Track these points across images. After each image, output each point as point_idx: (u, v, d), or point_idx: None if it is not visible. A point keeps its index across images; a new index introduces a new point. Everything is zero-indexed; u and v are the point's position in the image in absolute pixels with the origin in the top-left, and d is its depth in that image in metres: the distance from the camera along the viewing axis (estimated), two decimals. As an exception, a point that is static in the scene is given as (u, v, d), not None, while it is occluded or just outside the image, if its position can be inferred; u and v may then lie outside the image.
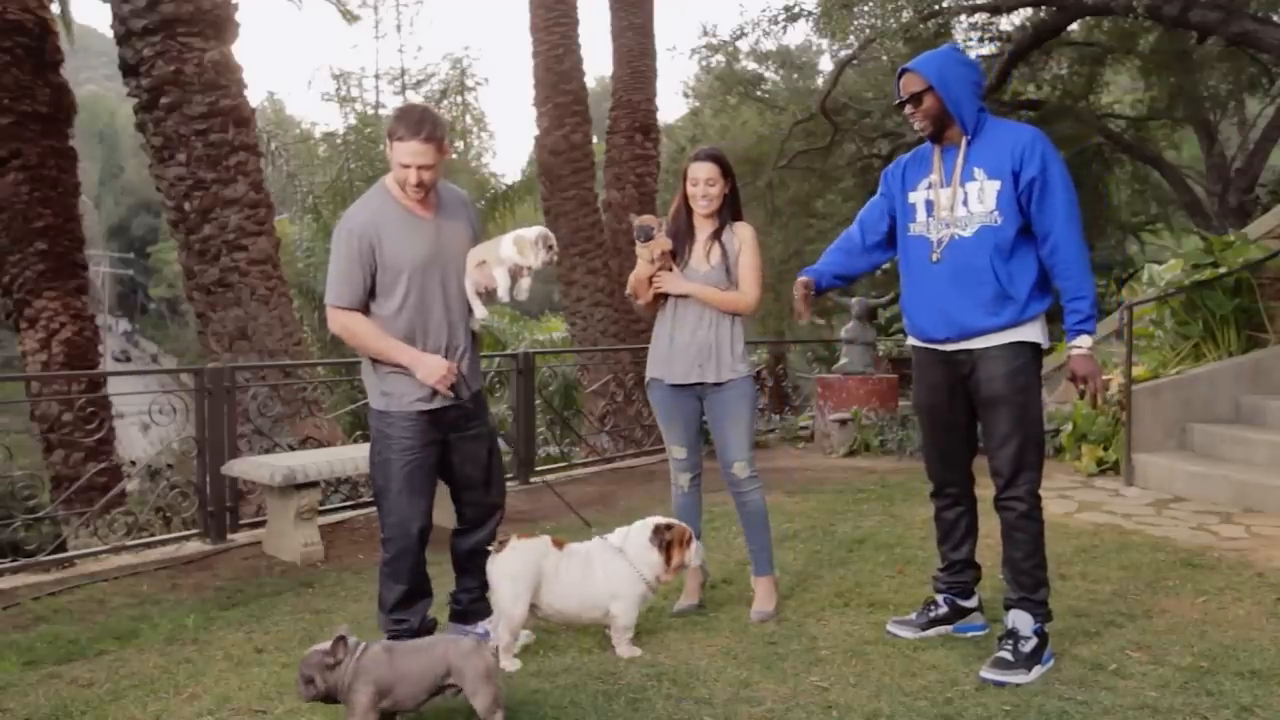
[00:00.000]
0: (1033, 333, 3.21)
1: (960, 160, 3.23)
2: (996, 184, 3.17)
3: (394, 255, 3.16)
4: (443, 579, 3.60)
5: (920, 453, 7.50)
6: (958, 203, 3.22)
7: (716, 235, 3.72)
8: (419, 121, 3.11)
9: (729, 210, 3.75)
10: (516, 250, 3.25)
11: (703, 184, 3.68)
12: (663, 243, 3.66)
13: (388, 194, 3.23)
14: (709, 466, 3.90)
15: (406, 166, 3.11)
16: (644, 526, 3.44)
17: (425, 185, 3.15)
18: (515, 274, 3.29)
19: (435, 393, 3.22)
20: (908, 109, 3.28)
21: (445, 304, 3.25)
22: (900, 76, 3.31)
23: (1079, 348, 3.19)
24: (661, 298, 3.76)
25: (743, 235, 3.73)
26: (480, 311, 3.31)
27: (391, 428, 3.24)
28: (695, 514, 3.88)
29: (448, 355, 3.24)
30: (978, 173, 3.21)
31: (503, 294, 3.26)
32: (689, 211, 3.75)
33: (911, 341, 3.47)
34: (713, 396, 3.71)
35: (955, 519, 3.51)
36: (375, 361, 3.26)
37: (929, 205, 3.29)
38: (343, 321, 3.20)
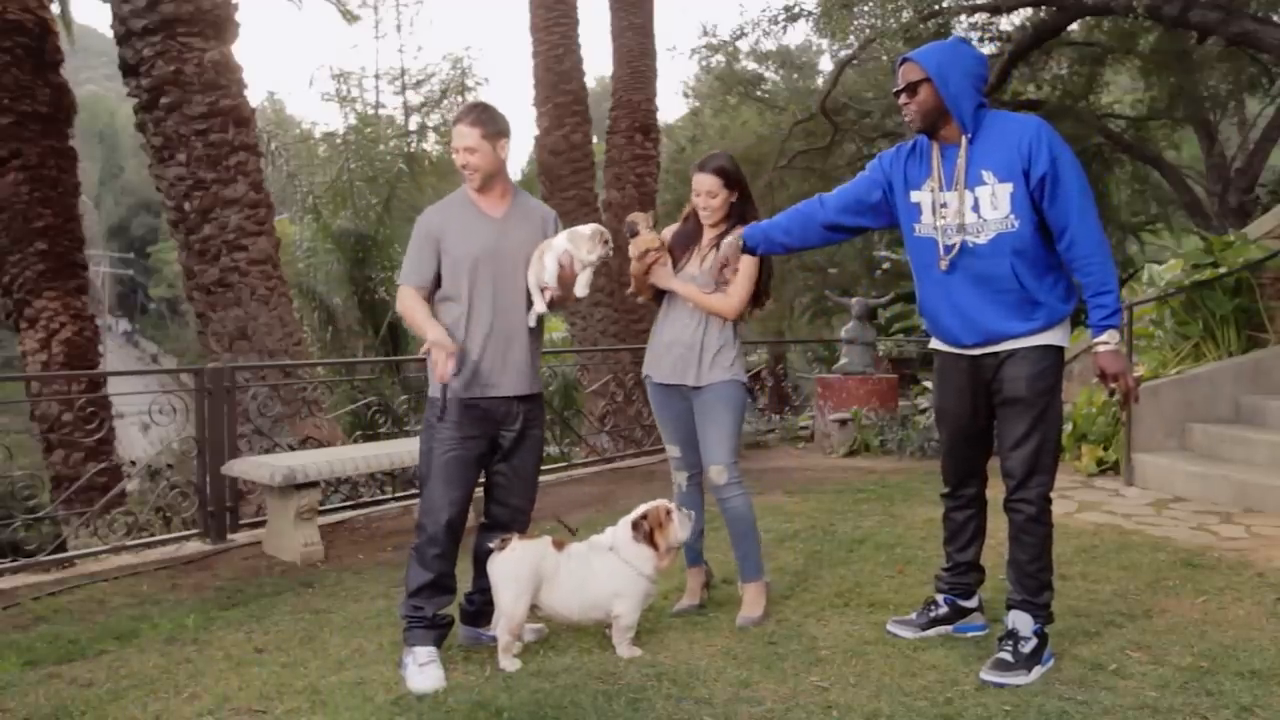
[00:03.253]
0: (1059, 336, 3.15)
1: (962, 161, 3.11)
2: (1009, 187, 3.04)
3: (453, 246, 3.33)
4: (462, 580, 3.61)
5: (920, 452, 7.60)
6: (967, 208, 3.10)
7: (719, 240, 3.71)
8: (469, 109, 3.40)
9: (737, 218, 3.74)
10: (570, 242, 3.36)
11: (704, 195, 3.70)
12: (648, 240, 3.70)
13: (464, 193, 3.46)
14: None
15: (457, 149, 3.35)
16: (625, 526, 3.43)
17: (472, 169, 3.33)
18: (567, 265, 3.35)
19: (478, 378, 3.31)
20: (902, 98, 3.17)
21: (494, 300, 3.34)
22: (901, 65, 3.20)
23: (1106, 344, 3.07)
24: (657, 296, 3.80)
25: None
26: (539, 305, 3.38)
27: (437, 416, 3.33)
28: (698, 512, 3.87)
29: (487, 345, 3.33)
30: (987, 176, 3.06)
31: (549, 279, 3.33)
32: (697, 214, 3.78)
33: (934, 345, 3.40)
34: (695, 399, 3.72)
35: (965, 521, 3.48)
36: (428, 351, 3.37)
37: (935, 207, 3.18)
38: (400, 295, 3.41)
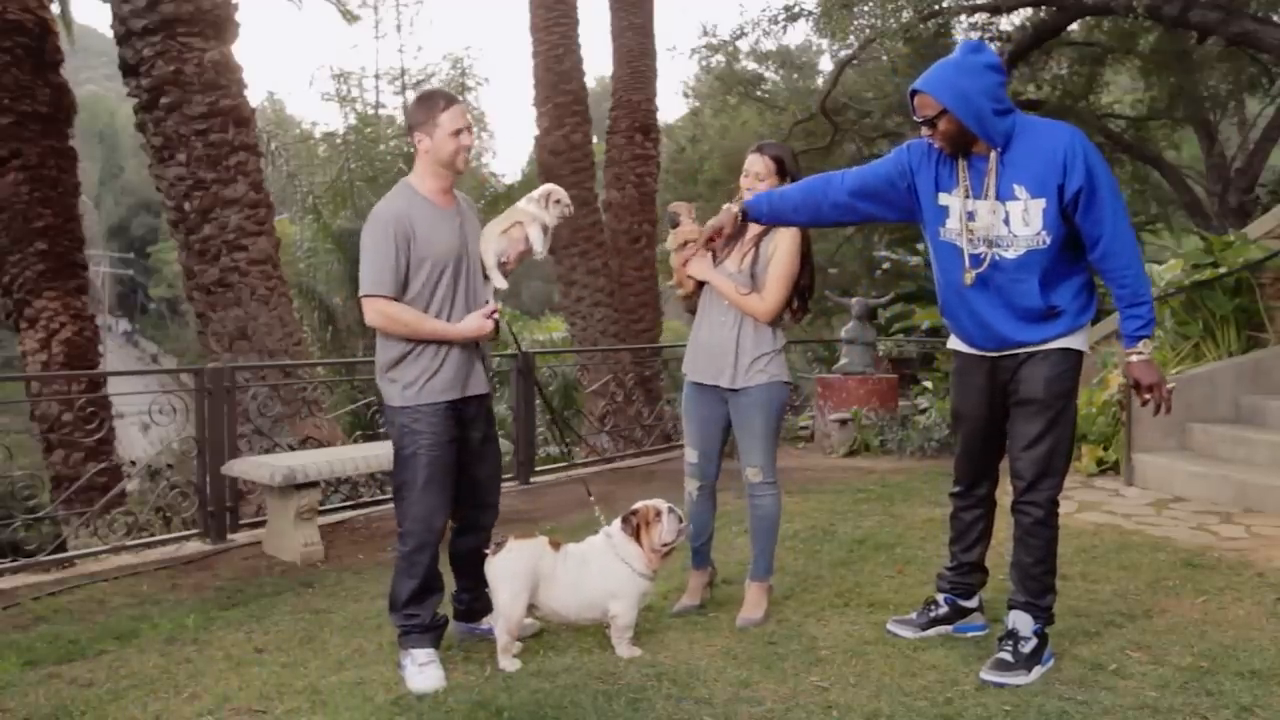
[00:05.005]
0: (1078, 341, 3.13)
1: (992, 174, 3.02)
2: (1041, 202, 2.95)
3: (425, 246, 3.20)
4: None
5: (920, 452, 7.60)
6: (998, 221, 3.03)
7: (759, 238, 3.64)
8: (447, 92, 3.33)
9: None
10: (539, 210, 3.39)
11: (751, 177, 3.63)
12: (689, 230, 3.64)
13: (415, 190, 3.28)
14: (728, 467, 3.86)
15: (459, 131, 3.21)
16: (616, 524, 3.43)
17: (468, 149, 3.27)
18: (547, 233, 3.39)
19: (456, 379, 3.27)
20: (924, 130, 3.06)
21: (467, 296, 3.31)
22: (913, 96, 3.07)
23: (1140, 353, 3.04)
24: (697, 291, 3.75)
25: (779, 239, 3.61)
26: (498, 280, 3.36)
27: (418, 422, 3.25)
28: (705, 523, 3.83)
29: (462, 346, 3.31)
30: (1019, 190, 2.98)
31: (538, 249, 3.36)
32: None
33: (954, 345, 3.37)
34: (732, 401, 3.67)
35: (972, 521, 3.47)
36: (398, 360, 3.26)
37: (963, 215, 3.09)
38: (383, 310, 3.19)
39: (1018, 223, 3.01)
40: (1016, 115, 3.04)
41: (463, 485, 3.43)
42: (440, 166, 3.26)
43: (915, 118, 3.07)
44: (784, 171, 3.64)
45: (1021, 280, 3.04)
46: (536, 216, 3.36)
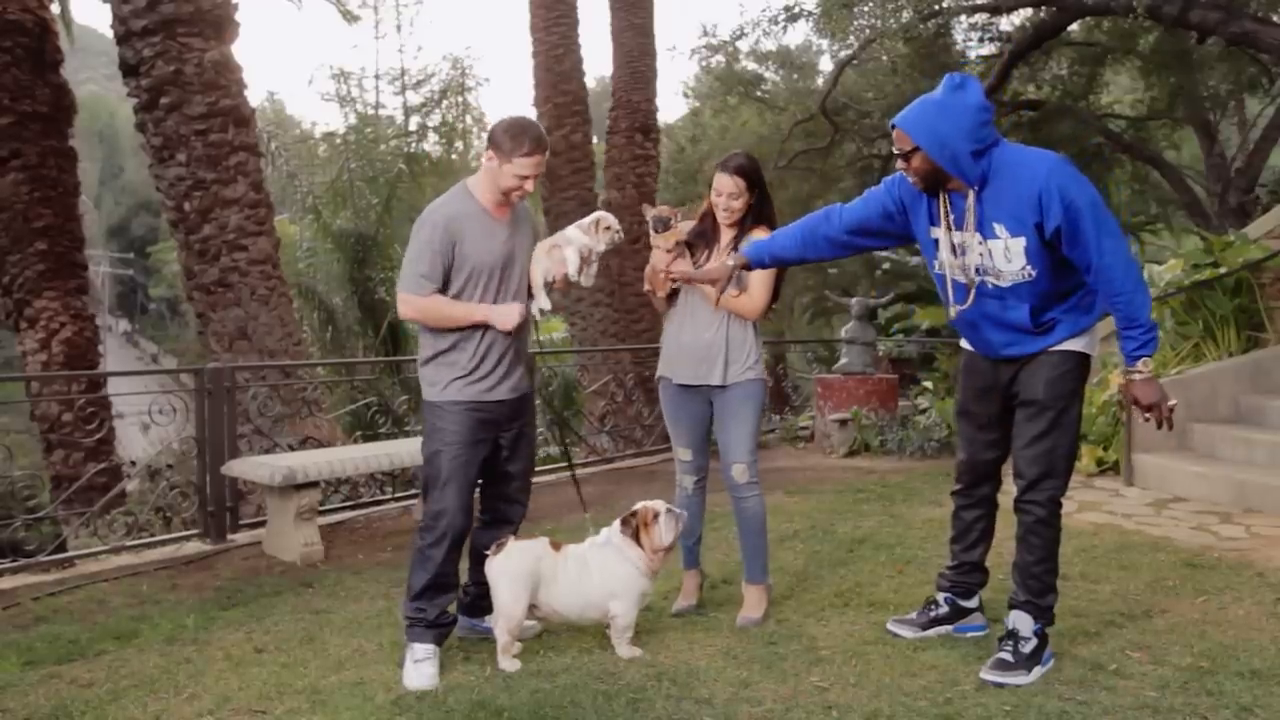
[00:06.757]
0: (1082, 343, 3.13)
1: (971, 212, 3.02)
2: (1022, 240, 2.95)
3: (471, 252, 3.27)
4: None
5: (920, 452, 7.60)
6: (985, 258, 3.04)
7: (736, 243, 3.67)
8: (539, 138, 3.28)
9: (753, 218, 3.67)
10: (586, 235, 3.44)
11: (725, 197, 3.63)
12: (678, 233, 3.66)
13: (470, 195, 3.36)
14: (714, 466, 3.88)
15: (525, 178, 3.26)
16: (616, 525, 3.43)
17: (527, 191, 3.33)
18: (584, 257, 3.42)
19: (477, 381, 3.31)
20: (899, 164, 3.06)
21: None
22: (892, 128, 3.07)
23: (1140, 372, 3.02)
24: (674, 294, 3.75)
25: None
26: (543, 300, 3.42)
27: (441, 419, 3.33)
28: (698, 515, 3.87)
29: (494, 350, 3.35)
30: (999, 230, 2.97)
31: (572, 273, 3.40)
32: (715, 215, 3.72)
33: (963, 343, 3.40)
34: (719, 398, 3.69)
35: (973, 520, 3.48)
36: (430, 358, 3.36)
37: (953, 248, 3.10)
38: (418, 305, 3.28)
39: (1001, 259, 3.02)
40: (996, 151, 2.98)
41: (494, 479, 3.50)
42: (499, 190, 3.32)
43: (893, 150, 3.08)
44: (753, 185, 3.64)
45: (1013, 306, 3.07)
46: (574, 240, 3.41)
